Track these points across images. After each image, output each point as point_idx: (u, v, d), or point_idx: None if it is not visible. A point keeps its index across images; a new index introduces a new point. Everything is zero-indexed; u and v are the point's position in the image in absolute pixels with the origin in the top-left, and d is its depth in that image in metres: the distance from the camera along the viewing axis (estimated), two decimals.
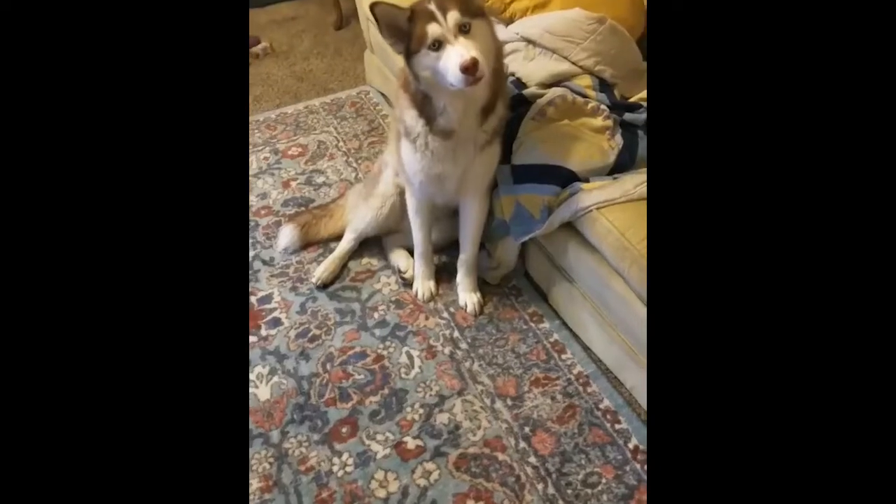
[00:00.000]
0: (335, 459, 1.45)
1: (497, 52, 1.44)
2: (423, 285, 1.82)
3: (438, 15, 1.31)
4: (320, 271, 1.86)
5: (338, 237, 1.96)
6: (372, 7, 1.35)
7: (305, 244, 1.99)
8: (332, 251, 1.93)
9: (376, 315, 1.77)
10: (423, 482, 1.40)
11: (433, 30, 1.31)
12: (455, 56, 1.29)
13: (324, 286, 1.86)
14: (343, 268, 1.91)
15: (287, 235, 1.96)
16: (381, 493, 1.38)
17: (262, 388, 1.60)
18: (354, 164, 2.34)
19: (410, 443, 1.47)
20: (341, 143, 2.45)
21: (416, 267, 1.83)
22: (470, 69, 1.27)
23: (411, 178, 1.62)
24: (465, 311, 1.76)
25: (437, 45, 1.31)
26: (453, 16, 1.30)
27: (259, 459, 1.45)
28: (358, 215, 1.88)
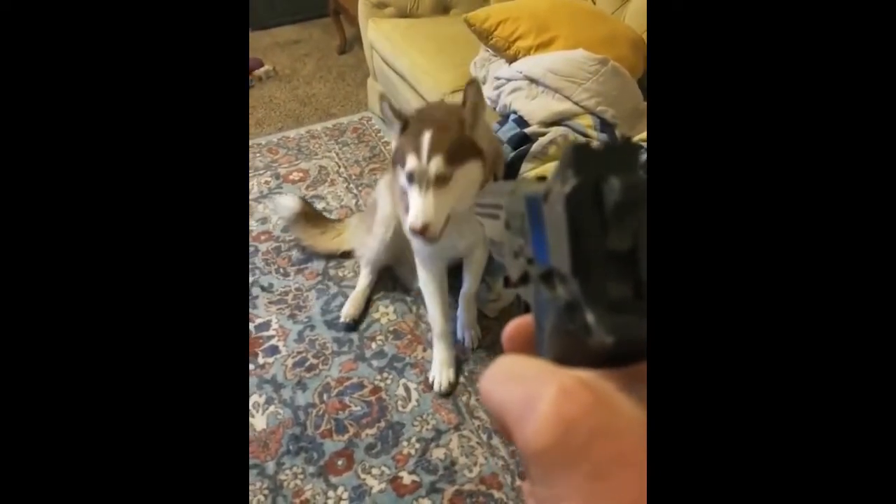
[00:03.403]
0: (330, 493, 1.45)
1: (494, 155, 1.40)
2: (443, 373, 1.64)
3: (424, 153, 1.22)
4: (347, 308, 1.84)
5: (322, 254, 2.03)
6: (381, 99, 1.39)
7: (298, 223, 2.02)
8: (330, 279, 1.95)
9: (374, 345, 1.78)
10: None
11: (411, 163, 1.24)
12: (413, 209, 1.24)
13: (354, 323, 1.83)
14: (368, 302, 1.90)
15: (290, 203, 2.00)
16: None
17: (258, 418, 1.60)
18: (355, 191, 2.36)
19: (406, 478, 1.47)
20: (342, 169, 2.47)
21: (434, 350, 1.67)
22: (418, 233, 1.23)
23: (419, 251, 1.59)
24: (463, 344, 1.77)
25: (410, 177, 1.26)
26: (436, 164, 1.22)
27: (254, 491, 1.45)
28: (366, 247, 1.88)
